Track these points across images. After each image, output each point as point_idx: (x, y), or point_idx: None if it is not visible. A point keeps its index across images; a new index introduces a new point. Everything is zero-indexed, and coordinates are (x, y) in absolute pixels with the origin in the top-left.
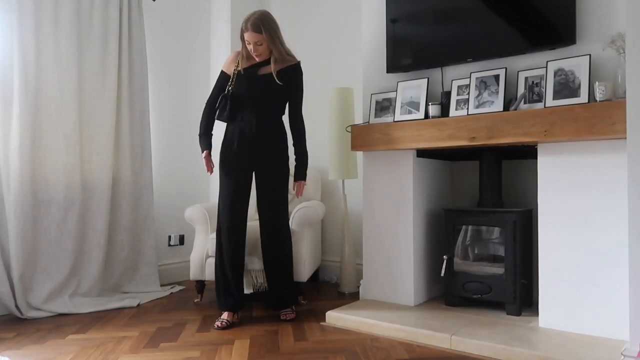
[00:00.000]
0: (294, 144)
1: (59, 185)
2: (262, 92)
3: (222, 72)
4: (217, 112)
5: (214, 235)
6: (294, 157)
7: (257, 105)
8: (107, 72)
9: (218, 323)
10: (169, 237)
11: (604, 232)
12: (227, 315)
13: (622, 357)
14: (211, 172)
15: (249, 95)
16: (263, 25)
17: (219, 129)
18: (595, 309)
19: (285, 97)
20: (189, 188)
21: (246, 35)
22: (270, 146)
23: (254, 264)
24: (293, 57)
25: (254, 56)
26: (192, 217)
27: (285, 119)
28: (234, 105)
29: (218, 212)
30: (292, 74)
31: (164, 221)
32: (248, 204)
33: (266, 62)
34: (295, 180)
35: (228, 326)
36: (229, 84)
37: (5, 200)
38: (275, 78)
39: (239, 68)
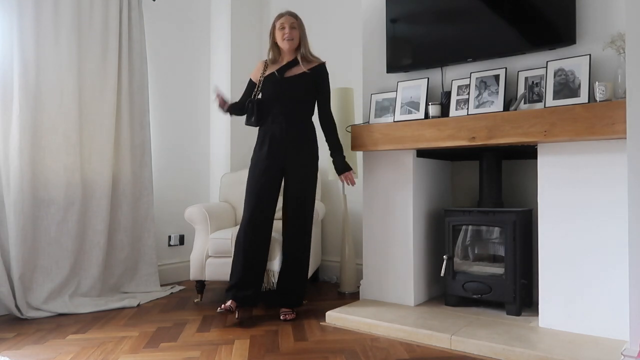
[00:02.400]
0: (327, 139)
1: (59, 185)
2: (289, 94)
3: (250, 80)
4: (245, 118)
5: (214, 235)
6: (330, 151)
7: (285, 107)
8: (107, 72)
9: (222, 306)
10: (169, 237)
11: (604, 232)
12: (231, 302)
13: (622, 357)
14: (222, 104)
15: (276, 98)
16: (298, 16)
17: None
18: (595, 309)
19: (313, 97)
20: (189, 188)
21: (282, 20)
22: (300, 147)
23: None
24: (318, 58)
25: (285, 41)
26: (192, 217)
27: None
28: (260, 109)
29: (243, 207)
30: (320, 73)
31: (164, 221)
32: (276, 204)
33: (291, 65)
34: (341, 173)
35: (230, 311)
36: (256, 90)
37: (5, 200)
38: (306, 71)
39: (265, 74)
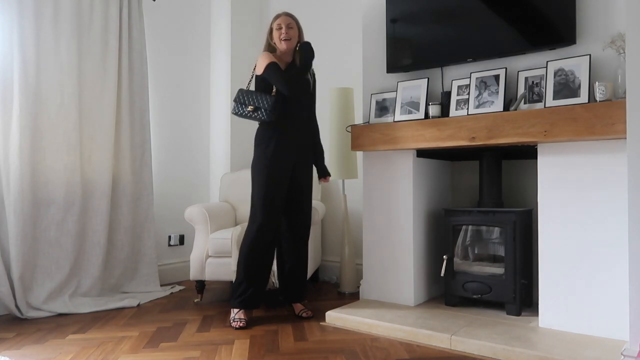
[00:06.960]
0: (314, 142)
1: (59, 185)
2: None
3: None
4: (264, 111)
5: (214, 235)
6: (316, 155)
7: (296, 108)
8: (107, 72)
9: (237, 324)
10: (169, 237)
11: (603, 232)
12: (242, 313)
13: (622, 357)
14: None
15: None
16: (295, 17)
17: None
18: (595, 309)
19: (312, 99)
20: (189, 188)
21: (278, 20)
22: (309, 147)
23: None
24: None
25: (283, 41)
26: (192, 217)
27: None
28: (284, 106)
29: (254, 208)
30: (314, 79)
31: (164, 221)
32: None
33: (294, 67)
34: (323, 176)
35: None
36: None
37: (5, 200)
38: (310, 77)
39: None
